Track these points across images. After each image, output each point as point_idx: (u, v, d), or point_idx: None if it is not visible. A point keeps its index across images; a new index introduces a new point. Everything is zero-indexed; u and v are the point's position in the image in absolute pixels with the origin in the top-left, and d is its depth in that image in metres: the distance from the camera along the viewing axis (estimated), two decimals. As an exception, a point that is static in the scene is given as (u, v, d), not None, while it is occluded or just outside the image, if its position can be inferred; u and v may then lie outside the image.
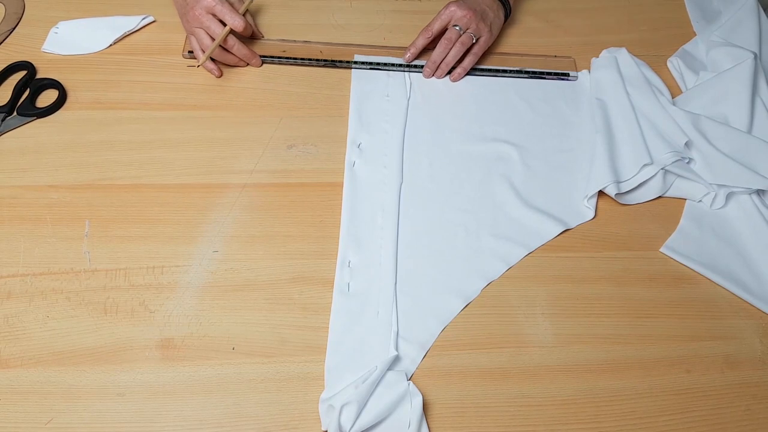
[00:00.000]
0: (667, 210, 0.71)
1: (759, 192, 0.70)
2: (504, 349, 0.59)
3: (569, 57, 0.84)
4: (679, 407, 0.57)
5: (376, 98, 0.77)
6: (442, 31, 0.78)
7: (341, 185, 0.68)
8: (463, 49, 0.78)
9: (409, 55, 0.79)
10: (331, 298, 0.60)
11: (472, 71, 0.81)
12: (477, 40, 0.78)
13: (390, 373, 0.55)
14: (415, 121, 0.75)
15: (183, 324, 0.58)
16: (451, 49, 0.78)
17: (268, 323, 0.59)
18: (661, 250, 0.67)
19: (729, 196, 0.71)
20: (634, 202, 0.71)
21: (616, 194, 0.69)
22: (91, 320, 0.57)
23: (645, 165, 0.69)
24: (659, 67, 0.83)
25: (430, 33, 0.78)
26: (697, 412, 0.57)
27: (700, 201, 0.71)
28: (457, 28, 0.77)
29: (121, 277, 0.60)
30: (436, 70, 0.79)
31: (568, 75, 0.82)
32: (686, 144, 0.71)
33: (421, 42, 0.79)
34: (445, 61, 0.78)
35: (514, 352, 0.59)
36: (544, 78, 0.82)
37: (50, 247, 0.61)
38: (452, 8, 0.77)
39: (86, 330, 0.57)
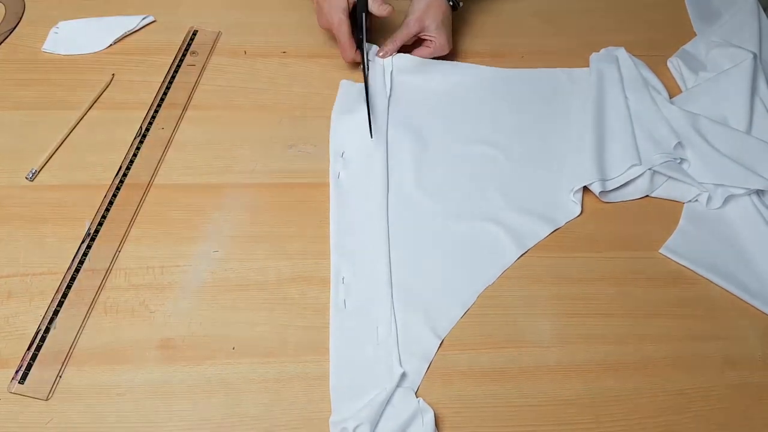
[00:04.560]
0: (667, 210, 0.71)
1: (758, 192, 0.70)
2: (504, 349, 0.59)
3: (567, 57, 0.84)
4: (679, 407, 0.57)
5: (356, 105, 0.75)
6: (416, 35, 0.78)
7: (341, 185, 0.68)
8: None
9: (383, 53, 0.78)
10: (331, 297, 0.60)
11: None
12: (435, 48, 0.78)
13: (399, 391, 0.55)
14: (397, 125, 0.74)
15: (183, 324, 0.58)
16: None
17: (268, 323, 0.59)
18: (661, 251, 0.67)
19: (728, 197, 0.70)
20: (619, 200, 0.70)
21: (600, 192, 0.68)
22: (91, 320, 0.57)
23: (633, 165, 0.69)
24: (659, 67, 0.83)
25: (400, 42, 0.78)
26: (697, 412, 0.57)
27: (696, 201, 0.71)
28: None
29: (121, 277, 0.60)
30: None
31: (564, 73, 0.82)
32: (681, 144, 0.71)
33: (392, 47, 0.78)
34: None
35: (514, 353, 0.59)
36: (538, 75, 0.81)
37: (50, 247, 0.61)
38: (426, 23, 0.77)
39: (86, 330, 0.57)
